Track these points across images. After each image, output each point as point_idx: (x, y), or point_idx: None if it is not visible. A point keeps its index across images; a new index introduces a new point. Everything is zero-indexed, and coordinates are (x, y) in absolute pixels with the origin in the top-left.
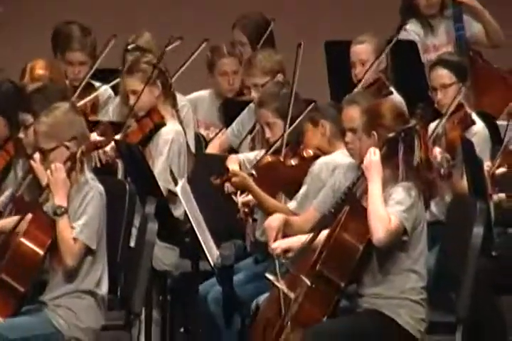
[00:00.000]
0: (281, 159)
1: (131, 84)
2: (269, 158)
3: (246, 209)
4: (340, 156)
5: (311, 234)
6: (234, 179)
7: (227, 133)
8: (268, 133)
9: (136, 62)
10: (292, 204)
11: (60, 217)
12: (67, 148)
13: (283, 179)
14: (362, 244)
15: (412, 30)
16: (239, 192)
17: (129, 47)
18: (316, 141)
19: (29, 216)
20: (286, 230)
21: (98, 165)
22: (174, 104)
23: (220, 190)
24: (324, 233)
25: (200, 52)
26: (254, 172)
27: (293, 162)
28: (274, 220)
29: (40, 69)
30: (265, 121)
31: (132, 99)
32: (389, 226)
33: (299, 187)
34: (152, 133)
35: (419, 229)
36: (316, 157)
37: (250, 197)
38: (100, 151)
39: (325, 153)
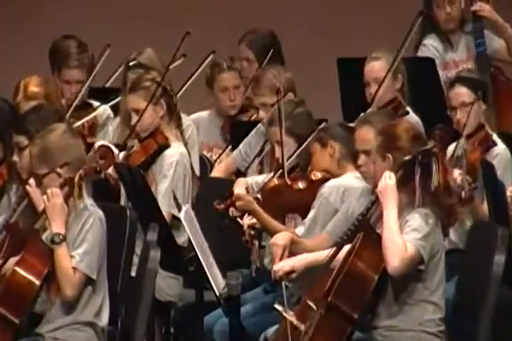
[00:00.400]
0: (288, 182)
1: (134, 102)
2: (275, 181)
3: (252, 232)
4: (351, 179)
5: (315, 253)
6: (238, 203)
7: (233, 155)
8: (278, 153)
9: (140, 79)
10: (300, 230)
11: (58, 246)
12: (59, 175)
13: (290, 203)
14: (376, 273)
15: (431, 45)
16: (246, 215)
17: (131, 64)
18: (324, 163)
19: (12, 260)
20: (293, 249)
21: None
22: (179, 125)
23: (225, 215)
24: (330, 252)
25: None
26: (259, 196)
27: (300, 185)
28: (281, 238)
29: (34, 86)
30: (276, 139)
31: (135, 118)
32: (405, 255)
33: (307, 212)
34: (156, 155)
35: (437, 258)
36: (324, 180)
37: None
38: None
39: (334, 176)
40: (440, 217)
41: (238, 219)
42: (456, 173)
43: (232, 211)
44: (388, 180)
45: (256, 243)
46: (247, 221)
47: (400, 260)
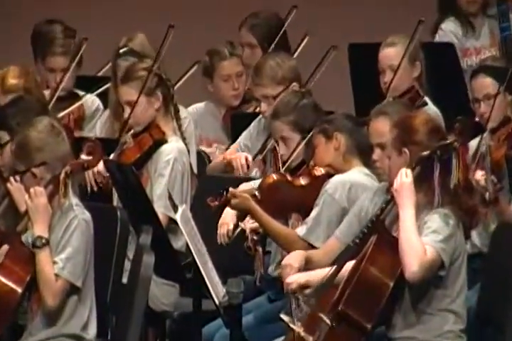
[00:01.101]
0: (289, 178)
1: (127, 93)
2: (274, 177)
3: (255, 237)
4: (357, 175)
5: (333, 268)
6: (233, 201)
7: (231, 150)
8: (282, 149)
9: (132, 68)
10: (301, 230)
11: (40, 250)
12: (34, 175)
13: (291, 201)
14: (392, 279)
15: (450, 30)
16: (248, 218)
17: (121, 51)
18: (328, 157)
19: (5, 247)
20: (308, 268)
21: (95, 188)
22: (177, 118)
23: (218, 213)
24: (348, 266)
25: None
26: (257, 193)
27: (302, 181)
28: (295, 259)
29: (12, 78)
30: (280, 135)
31: (128, 112)
32: (424, 258)
33: (310, 211)
34: (151, 151)
35: (459, 263)
36: (328, 176)
37: None
38: (91, 172)
39: (338, 171)
40: (461, 218)
41: (240, 223)
42: (479, 175)
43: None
44: (404, 177)
45: (260, 249)
46: (249, 224)
47: (419, 264)
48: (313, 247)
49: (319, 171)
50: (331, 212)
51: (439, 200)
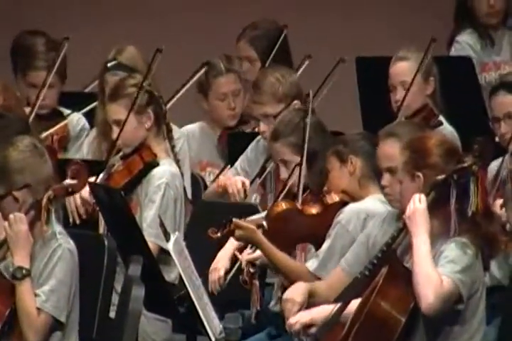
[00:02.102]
0: (299, 207)
1: (115, 112)
2: (283, 206)
3: (251, 270)
4: (374, 202)
5: (338, 305)
6: (238, 232)
7: (229, 174)
8: (284, 173)
9: (122, 84)
10: (312, 264)
11: (21, 282)
12: (16, 199)
13: (301, 232)
14: (404, 315)
15: (467, 43)
16: (247, 249)
17: (109, 64)
18: (343, 183)
19: None
20: (311, 302)
21: (77, 221)
22: (169, 139)
23: (222, 245)
24: (356, 302)
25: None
26: (264, 223)
27: (313, 210)
28: (298, 293)
29: None
30: (281, 158)
31: (116, 132)
32: (440, 290)
33: (322, 242)
34: (142, 175)
35: (477, 296)
36: (342, 203)
37: (258, 252)
38: (74, 199)
39: (354, 199)
40: (480, 248)
41: (235, 252)
42: (499, 203)
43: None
44: (418, 203)
45: (256, 283)
46: (246, 255)
47: (436, 295)
48: None
49: (333, 198)
50: (344, 244)
51: (455, 228)
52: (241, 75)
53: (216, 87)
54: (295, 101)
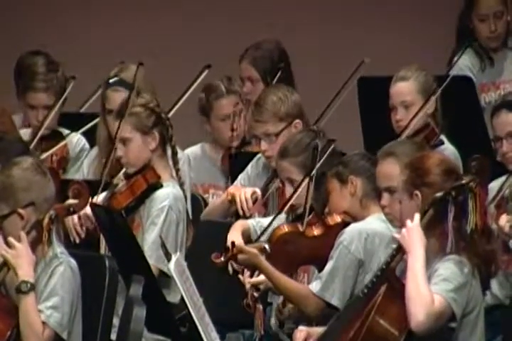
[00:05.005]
0: (301, 229)
1: (121, 129)
2: (285, 229)
3: (255, 294)
4: (375, 222)
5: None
6: (240, 256)
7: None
8: (289, 192)
9: (129, 102)
10: (315, 286)
11: (26, 295)
12: (21, 216)
13: (303, 254)
14: (402, 332)
15: (465, 65)
16: (246, 272)
17: (110, 80)
18: (344, 204)
19: None
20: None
21: (77, 240)
22: (174, 161)
23: (225, 270)
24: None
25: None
26: (267, 246)
27: (315, 232)
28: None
29: None
30: (288, 176)
31: (121, 149)
32: (431, 309)
33: (325, 264)
34: (145, 196)
35: (474, 315)
36: (344, 224)
37: (262, 277)
38: (74, 219)
39: (356, 219)
40: (478, 267)
41: (239, 276)
42: (504, 220)
43: (231, 263)
44: (409, 222)
45: (260, 307)
46: (249, 279)
47: (426, 313)
48: (328, 304)
49: (334, 219)
50: (346, 265)
51: (452, 246)
52: (242, 96)
53: (217, 108)
54: (296, 121)
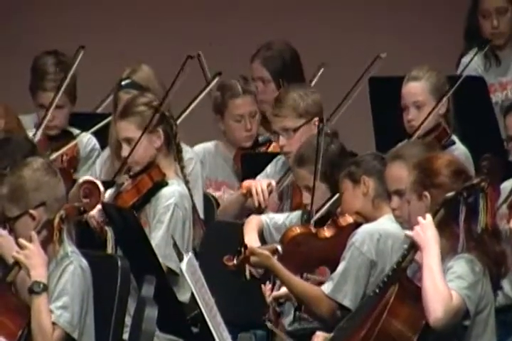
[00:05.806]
0: (313, 230)
1: (125, 129)
2: (297, 230)
3: (277, 309)
4: (388, 223)
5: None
6: (253, 259)
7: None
8: (306, 199)
9: (132, 102)
10: (327, 287)
11: (38, 296)
12: (33, 217)
13: (316, 255)
14: (415, 333)
15: (470, 64)
16: (268, 284)
17: (123, 83)
18: (356, 204)
19: None
20: None
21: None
22: (179, 159)
23: (239, 272)
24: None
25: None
26: (279, 248)
27: (327, 233)
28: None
29: None
30: (305, 184)
31: (126, 150)
32: (450, 304)
33: (337, 265)
34: (150, 194)
35: (485, 314)
36: (356, 225)
37: (283, 289)
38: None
39: (368, 219)
40: (488, 266)
41: (263, 288)
42: None
43: (249, 268)
44: (422, 219)
45: (283, 323)
46: (269, 292)
47: (445, 309)
48: (340, 305)
49: (346, 220)
50: (358, 266)
51: (463, 246)
52: (256, 95)
53: (233, 108)
54: (315, 118)
